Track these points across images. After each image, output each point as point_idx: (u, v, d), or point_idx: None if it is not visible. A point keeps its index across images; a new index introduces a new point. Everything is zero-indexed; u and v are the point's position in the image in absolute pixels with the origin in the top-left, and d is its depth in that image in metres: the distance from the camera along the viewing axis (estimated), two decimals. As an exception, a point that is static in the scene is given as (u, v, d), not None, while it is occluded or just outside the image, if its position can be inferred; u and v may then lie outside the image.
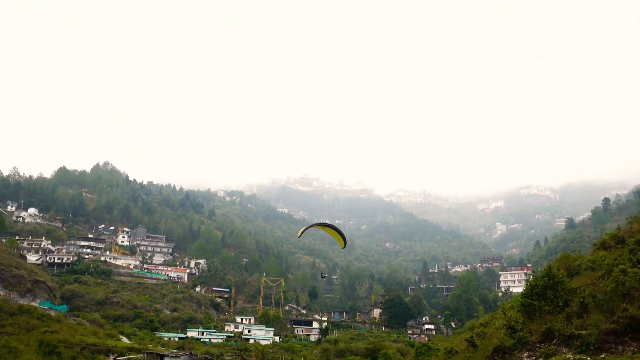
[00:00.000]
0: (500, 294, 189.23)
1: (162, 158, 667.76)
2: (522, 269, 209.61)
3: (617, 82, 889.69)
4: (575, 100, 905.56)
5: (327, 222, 47.56)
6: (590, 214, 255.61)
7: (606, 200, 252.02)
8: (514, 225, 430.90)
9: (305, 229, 45.34)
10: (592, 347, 25.83)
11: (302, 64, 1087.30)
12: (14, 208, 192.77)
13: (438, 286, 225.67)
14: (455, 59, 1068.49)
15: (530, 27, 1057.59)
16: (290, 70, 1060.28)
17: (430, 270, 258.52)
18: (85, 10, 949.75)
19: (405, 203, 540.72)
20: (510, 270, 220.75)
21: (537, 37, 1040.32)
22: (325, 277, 69.76)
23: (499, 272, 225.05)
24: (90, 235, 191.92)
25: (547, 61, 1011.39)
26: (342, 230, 43.54)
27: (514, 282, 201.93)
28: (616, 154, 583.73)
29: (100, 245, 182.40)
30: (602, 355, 24.24)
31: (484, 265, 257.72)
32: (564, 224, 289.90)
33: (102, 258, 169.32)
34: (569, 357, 25.00)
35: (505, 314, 46.20)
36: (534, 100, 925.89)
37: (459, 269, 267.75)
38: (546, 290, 35.44)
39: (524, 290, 42.90)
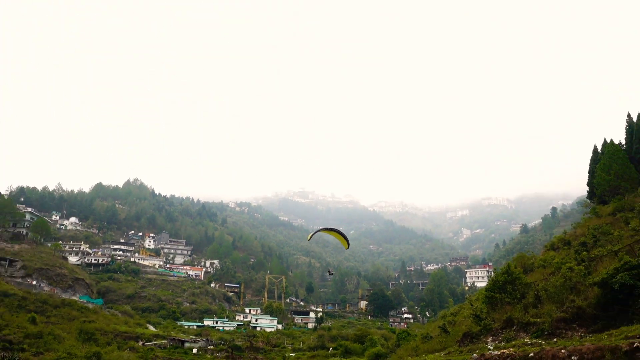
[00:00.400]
0: (466, 288, 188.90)
1: (183, 174, 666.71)
2: (484, 267, 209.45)
3: (564, 106, 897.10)
4: (527, 122, 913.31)
5: (332, 227, 46.83)
6: (541, 220, 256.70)
7: (554, 209, 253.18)
8: (477, 231, 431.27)
9: (314, 233, 44.92)
10: (545, 333, 25.84)
11: (299, 96, 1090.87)
12: (58, 217, 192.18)
13: (414, 282, 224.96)
14: (424, 85, 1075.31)
15: (477, 61, 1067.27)
16: (291, 97, 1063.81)
17: (407, 269, 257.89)
18: (121, 29, 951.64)
19: (386, 212, 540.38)
20: (475, 268, 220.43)
21: (493, 64, 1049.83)
22: (332, 273, 69.39)
23: (465, 270, 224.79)
24: (122, 240, 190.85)
25: (505, 88, 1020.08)
26: (345, 234, 43.28)
27: (478, 278, 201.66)
28: (562, 170, 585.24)
29: (130, 249, 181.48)
30: (555, 340, 24.26)
31: (453, 264, 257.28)
32: (519, 229, 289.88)
33: (132, 259, 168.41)
34: (527, 341, 25.00)
35: (471, 305, 46.16)
36: (494, 122, 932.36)
37: (431, 267, 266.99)
38: (506, 285, 35.45)
39: (487, 284, 42.93)
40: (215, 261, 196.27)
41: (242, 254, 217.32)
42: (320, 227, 45.89)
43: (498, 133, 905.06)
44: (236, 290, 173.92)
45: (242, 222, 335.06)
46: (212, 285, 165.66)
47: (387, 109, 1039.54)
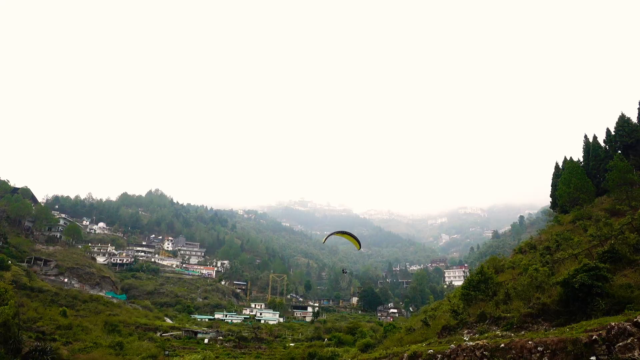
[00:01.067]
0: (445, 286, 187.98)
1: (198, 185, 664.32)
2: (461, 268, 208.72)
3: (530, 127, 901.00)
4: (499, 139, 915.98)
5: (344, 230, 45.35)
6: (510, 227, 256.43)
7: (521, 217, 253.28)
8: (455, 236, 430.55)
9: (329, 236, 43.33)
10: (514, 326, 25.64)
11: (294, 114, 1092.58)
12: (88, 222, 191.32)
13: (400, 280, 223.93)
14: (408, 107, 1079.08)
15: (454, 73, 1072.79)
16: (292, 116, 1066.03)
17: (394, 269, 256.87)
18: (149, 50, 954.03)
19: (375, 219, 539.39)
20: (452, 269, 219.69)
21: (468, 85, 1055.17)
22: (346, 272, 69.00)
23: (444, 270, 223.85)
24: (144, 243, 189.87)
25: (480, 110, 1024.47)
26: (356, 236, 42.19)
27: (456, 278, 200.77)
28: (528, 183, 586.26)
29: (151, 250, 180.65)
30: (523, 332, 24.05)
31: (433, 265, 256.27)
32: (491, 234, 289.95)
33: (152, 260, 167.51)
34: (498, 334, 24.78)
35: (450, 301, 45.93)
36: (470, 139, 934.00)
37: (414, 268, 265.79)
38: (480, 284, 35.29)
39: (463, 283, 42.74)
40: (226, 262, 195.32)
41: (249, 256, 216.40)
42: (335, 231, 44.21)
43: (473, 149, 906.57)
44: (243, 288, 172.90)
45: (250, 228, 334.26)
46: (222, 282, 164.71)
47: (378, 128, 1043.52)
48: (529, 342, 20.53)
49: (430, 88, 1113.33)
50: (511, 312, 27.26)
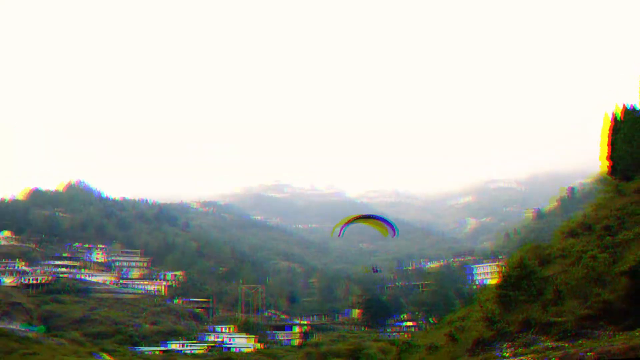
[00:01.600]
0: (475, 287, 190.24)
1: (135, 173, 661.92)
2: (495, 262, 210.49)
3: (583, 65, 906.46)
4: (533, 89, 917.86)
5: (368, 214, 42.99)
6: (558, 203, 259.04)
7: (572, 189, 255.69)
8: (485, 219, 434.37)
9: (345, 225, 40.33)
10: (569, 334, 26.00)
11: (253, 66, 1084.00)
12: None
13: (414, 283, 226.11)
14: (418, 53, 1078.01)
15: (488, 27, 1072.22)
16: (258, 77, 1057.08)
17: (405, 268, 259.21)
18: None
19: (377, 203, 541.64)
20: (484, 263, 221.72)
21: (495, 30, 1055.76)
22: (377, 271, 70.41)
23: (473, 266, 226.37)
24: (66, 255, 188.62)
25: (506, 45, 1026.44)
26: (387, 219, 40.79)
27: (488, 275, 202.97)
28: (578, 141, 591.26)
29: (76, 264, 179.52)
30: (580, 341, 24.41)
31: (458, 259, 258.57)
32: (532, 214, 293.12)
33: (79, 276, 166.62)
34: (549, 345, 25.13)
35: (482, 307, 46.37)
36: (495, 92, 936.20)
37: (433, 265, 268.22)
38: (520, 281, 35.64)
39: (498, 282, 43.16)
40: (179, 273, 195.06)
41: (209, 263, 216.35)
42: (353, 215, 41.38)
43: (501, 103, 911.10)
44: (205, 306, 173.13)
45: (209, 225, 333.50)
46: (176, 301, 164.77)
47: (370, 82, 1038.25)
48: (589, 354, 20.81)
49: (450, 18, 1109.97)
50: (564, 315, 27.62)
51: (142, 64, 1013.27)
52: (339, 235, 41.04)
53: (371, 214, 41.04)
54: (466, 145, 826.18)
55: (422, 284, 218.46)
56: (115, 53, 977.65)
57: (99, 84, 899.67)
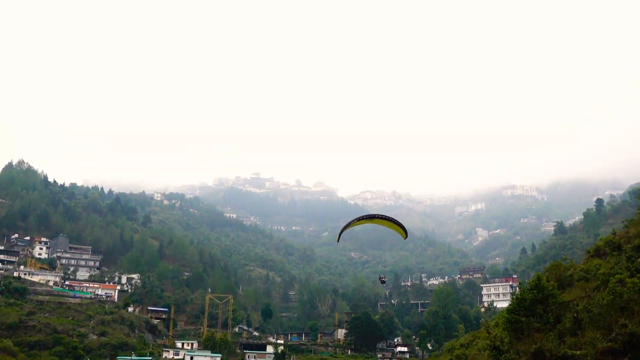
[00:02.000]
0: (482, 309, 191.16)
1: (88, 157, 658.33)
2: (507, 281, 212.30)
3: (614, 69, 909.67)
4: (563, 86, 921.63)
5: (377, 214, 43.09)
6: (582, 216, 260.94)
7: (599, 201, 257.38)
8: (497, 231, 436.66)
9: (347, 226, 41.69)
10: (588, 369, 26.19)
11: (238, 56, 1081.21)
12: None
13: (412, 302, 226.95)
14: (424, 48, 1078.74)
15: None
16: (241, 58, 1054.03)
17: (402, 283, 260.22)
18: None
19: (372, 206, 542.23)
20: (494, 282, 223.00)
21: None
22: (384, 281, 69.79)
23: (481, 285, 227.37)
24: (1, 247, 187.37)
25: (533, 48, 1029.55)
26: (398, 221, 41.00)
27: (498, 296, 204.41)
28: (607, 149, 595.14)
29: (13, 259, 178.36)
30: (600, 379, 24.62)
31: (464, 276, 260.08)
32: (552, 228, 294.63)
33: (15, 274, 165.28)
34: (563, 381, 25.33)
35: (489, 333, 46.62)
36: (518, 86, 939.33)
37: (435, 281, 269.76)
38: (535, 305, 35.84)
39: (509, 305, 43.40)
40: (135, 276, 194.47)
41: (172, 265, 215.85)
42: (361, 216, 42.52)
43: (522, 101, 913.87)
44: (164, 317, 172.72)
45: (173, 221, 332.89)
46: (130, 309, 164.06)
47: (370, 83, 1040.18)
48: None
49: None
50: (583, 347, 27.81)
51: (141, 64, 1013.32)
52: (337, 241, 41.39)
53: (381, 214, 41.13)
54: (479, 145, 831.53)
55: (420, 303, 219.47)
56: (114, 53, 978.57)
57: (99, 84, 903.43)
